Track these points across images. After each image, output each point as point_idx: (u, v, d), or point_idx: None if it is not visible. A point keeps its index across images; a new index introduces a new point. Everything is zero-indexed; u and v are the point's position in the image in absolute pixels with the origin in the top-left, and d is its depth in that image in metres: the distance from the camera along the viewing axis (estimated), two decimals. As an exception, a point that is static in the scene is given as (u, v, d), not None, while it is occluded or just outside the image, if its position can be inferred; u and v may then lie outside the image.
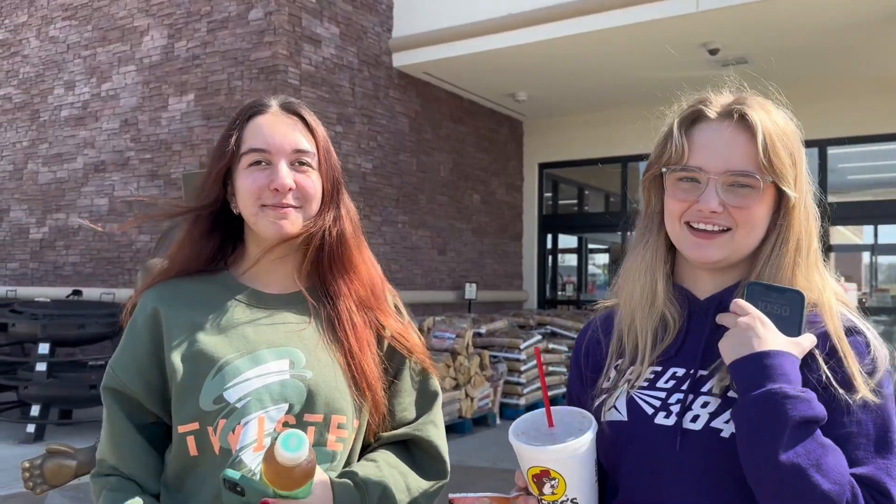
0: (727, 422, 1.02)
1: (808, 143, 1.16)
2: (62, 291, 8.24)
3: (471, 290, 9.47)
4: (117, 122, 8.36)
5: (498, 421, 7.62)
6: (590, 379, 1.23)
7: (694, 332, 1.13)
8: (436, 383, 1.43)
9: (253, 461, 1.17)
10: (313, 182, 1.29)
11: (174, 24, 7.94)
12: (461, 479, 4.66)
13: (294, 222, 1.26)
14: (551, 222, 11.54)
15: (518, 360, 7.91)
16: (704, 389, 1.07)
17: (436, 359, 6.87)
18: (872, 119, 8.86)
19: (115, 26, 8.44)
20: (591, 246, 12.80)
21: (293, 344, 1.26)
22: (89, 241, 8.51)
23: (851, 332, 1.06)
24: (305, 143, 1.29)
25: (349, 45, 7.94)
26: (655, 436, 1.07)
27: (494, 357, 7.86)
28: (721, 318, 1.07)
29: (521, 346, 7.97)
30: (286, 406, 1.21)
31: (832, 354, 1.03)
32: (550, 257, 11.68)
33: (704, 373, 1.09)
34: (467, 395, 7.06)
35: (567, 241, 12.12)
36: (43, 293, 8.57)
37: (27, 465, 2.03)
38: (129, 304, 1.36)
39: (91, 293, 7.96)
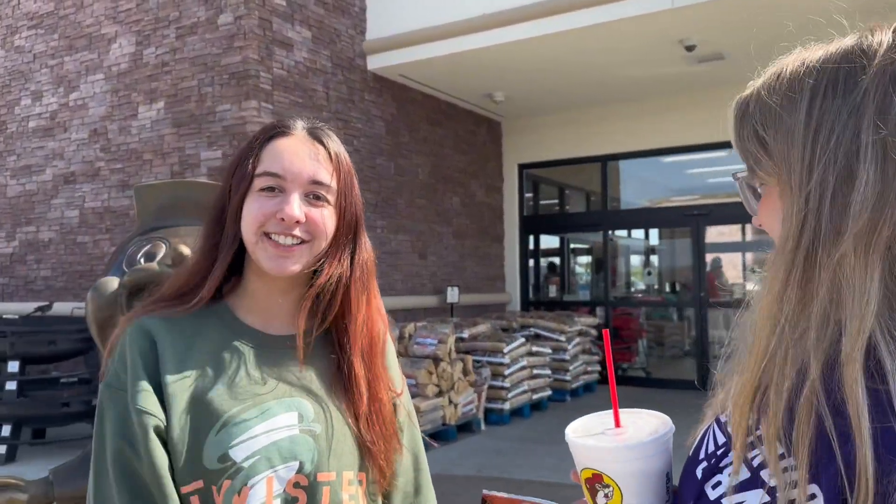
0: None
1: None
2: (33, 307, 8.03)
3: (453, 294, 9.36)
4: (86, 131, 8.18)
5: (483, 427, 7.51)
6: None
7: None
8: (418, 432, 1.35)
9: None
10: (325, 218, 1.17)
11: (142, 30, 7.77)
12: (447, 489, 4.54)
13: (298, 260, 1.14)
14: (532, 223, 11.46)
15: (502, 364, 7.81)
16: None
17: (417, 366, 6.75)
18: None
19: (83, 34, 8.26)
20: (573, 246, 12.74)
21: (300, 394, 1.15)
22: (60, 254, 8.32)
23: None
24: (325, 174, 1.17)
25: (322, 49, 7.81)
26: None
27: (478, 362, 7.76)
28: None
29: (505, 350, 7.87)
30: (296, 464, 1.10)
31: None
32: (532, 259, 11.60)
33: None
34: (451, 402, 6.95)
35: (549, 241, 12.05)
36: (15, 309, 8.35)
37: (-26, 500, 1.90)
38: (118, 331, 1.17)
39: (63, 308, 7.76)
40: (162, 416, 1.06)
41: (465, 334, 7.89)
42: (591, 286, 11.41)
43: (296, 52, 7.48)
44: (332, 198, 1.18)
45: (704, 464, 0.81)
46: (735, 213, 8.89)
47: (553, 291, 11.51)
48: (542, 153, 10.89)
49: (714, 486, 0.78)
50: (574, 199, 12.60)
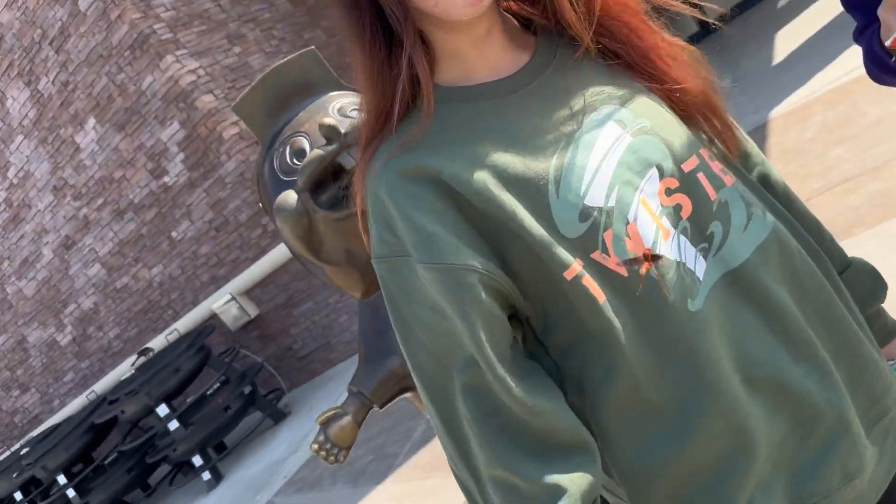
0: None
1: None
2: (129, 365, 8.12)
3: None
4: (48, 194, 7.85)
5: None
6: None
7: None
8: None
9: (673, 251, 0.88)
10: None
11: (21, 69, 7.22)
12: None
13: None
14: None
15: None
16: None
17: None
18: None
19: (-28, 114, 7.73)
20: None
21: (597, 106, 0.92)
22: (113, 307, 8.25)
23: None
24: None
25: (185, -32, 7.20)
26: None
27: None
28: None
29: None
30: (654, 171, 0.90)
31: None
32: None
33: None
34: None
35: None
36: (114, 379, 8.43)
37: (316, 446, 1.95)
38: (359, 201, 0.96)
39: (157, 342, 7.81)
40: (479, 257, 0.87)
41: None
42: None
43: (167, -14, 6.91)
44: None
45: None
46: None
47: None
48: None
49: None
50: None
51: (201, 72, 6.69)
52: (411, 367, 0.93)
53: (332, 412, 1.98)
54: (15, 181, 7.93)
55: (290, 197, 1.81)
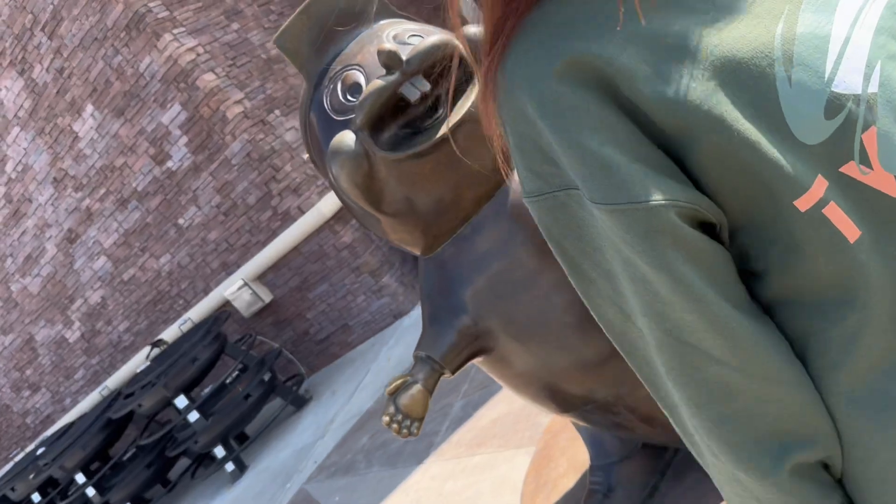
0: None
1: None
2: (143, 358, 7.92)
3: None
4: (49, 186, 7.62)
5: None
6: None
7: None
8: None
9: None
10: None
11: (14, 58, 6.97)
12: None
13: None
14: None
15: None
16: None
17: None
18: None
19: (-35, 108, 7.47)
20: None
21: None
22: (121, 301, 8.05)
23: None
24: None
25: (177, -56, 6.92)
26: None
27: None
28: None
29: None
30: None
31: None
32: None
33: None
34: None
35: None
36: (126, 374, 8.26)
37: (387, 418, 1.76)
38: (496, 123, 0.71)
39: (169, 333, 7.61)
40: (674, 185, 0.62)
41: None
42: None
43: (159, -37, 6.64)
44: None
45: None
46: None
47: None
48: None
49: None
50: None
51: (200, 50, 6.44)
52: (598, 320, 0.72)
53: (401, 380, 1.77)
54: (13, 175, 7.69)
55: (346, 138, 1.59)
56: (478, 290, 1.79)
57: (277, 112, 6.74)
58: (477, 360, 1.90)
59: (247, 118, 6.45)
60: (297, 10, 1.66)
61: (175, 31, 6.37)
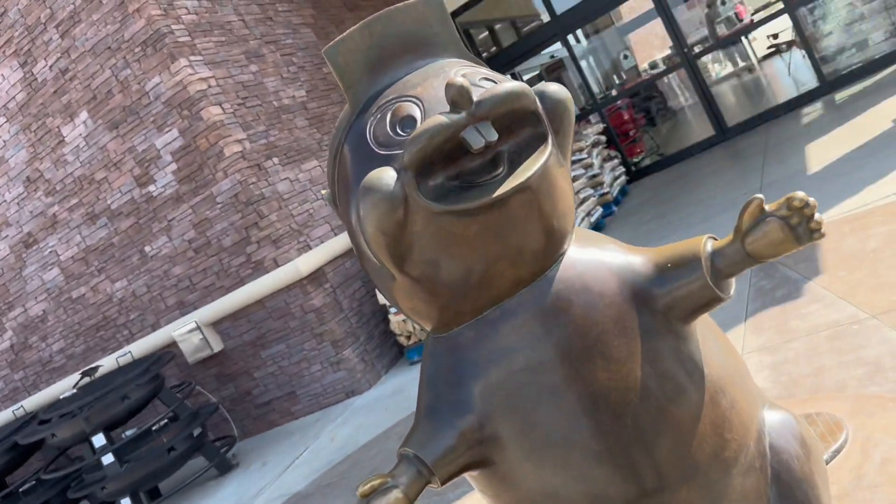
0: None
1: None
2: (72, 383, 7.35)
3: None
4: (20, 185, 7.23)
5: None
6: None
7: None
8: None
9: None
10: None
11: (19, 48, 6.73)
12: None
13: None
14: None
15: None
16: None
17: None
18: None
19: (-46, 87, 7.16)
20: (528, 77, 12.20)
21: None
22: (63, 318, 7.53)
23: None
24: None
25: (215, -24, 6.86)
26: None
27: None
28: None
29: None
30: None
31: None
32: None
33: None
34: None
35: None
36: (49, 397, 7.66)
37: None
38: None
39: (106, 362, 7.08)
40: None
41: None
42: (576, 98, 10.91)
43: (193, -11, 6.54)
44: None
45: None
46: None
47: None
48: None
49: None
50: (508, 32, 11.93)
51: (213, 82, 6.25)
52: None
53: (378, 481, 1.44)
54: (-15, 165, 7.31)
55: (385, 175, 1.33)
56: (492, 386, 1.49)
57: (276, 160, 6.51)
58: (471, 473, 1.58)
59: (243, 159, 6.21)
60: (360, 23, 1.42)
61: (192, 57, 6.20)
